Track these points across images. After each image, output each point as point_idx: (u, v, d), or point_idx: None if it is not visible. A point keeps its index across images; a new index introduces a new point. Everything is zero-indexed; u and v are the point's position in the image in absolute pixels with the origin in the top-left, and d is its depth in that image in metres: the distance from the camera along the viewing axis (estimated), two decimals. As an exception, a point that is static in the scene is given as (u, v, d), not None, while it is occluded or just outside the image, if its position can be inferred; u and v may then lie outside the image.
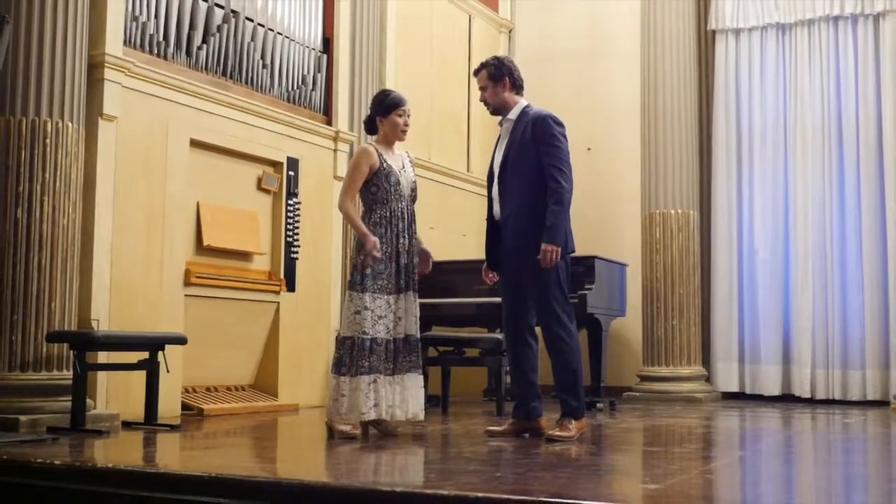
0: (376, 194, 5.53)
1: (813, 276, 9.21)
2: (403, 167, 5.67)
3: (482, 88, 5.61)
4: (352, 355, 5.27)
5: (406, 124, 5.65)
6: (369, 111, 5.77)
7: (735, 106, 9.80)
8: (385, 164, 5.56)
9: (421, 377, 5.53)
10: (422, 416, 5.48)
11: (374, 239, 5.39)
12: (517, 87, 5.59)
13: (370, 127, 5.75)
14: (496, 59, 5.69)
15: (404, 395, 5.39)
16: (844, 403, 8.90)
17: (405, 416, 5.38)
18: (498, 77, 5.55)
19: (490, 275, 5.71)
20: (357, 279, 5.39)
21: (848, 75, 9.33)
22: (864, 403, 8.84)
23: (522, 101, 5.58)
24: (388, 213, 5.50)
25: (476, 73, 5.68)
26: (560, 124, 5.44)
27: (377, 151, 5.57)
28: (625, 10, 10.13)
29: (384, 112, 5.63)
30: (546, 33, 10.68)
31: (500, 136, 5.65)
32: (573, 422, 5.27)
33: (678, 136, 9.30)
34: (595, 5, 10.49)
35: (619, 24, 10.27)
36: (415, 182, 5.72)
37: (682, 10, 9.41)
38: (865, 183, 9.14)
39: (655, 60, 9.39)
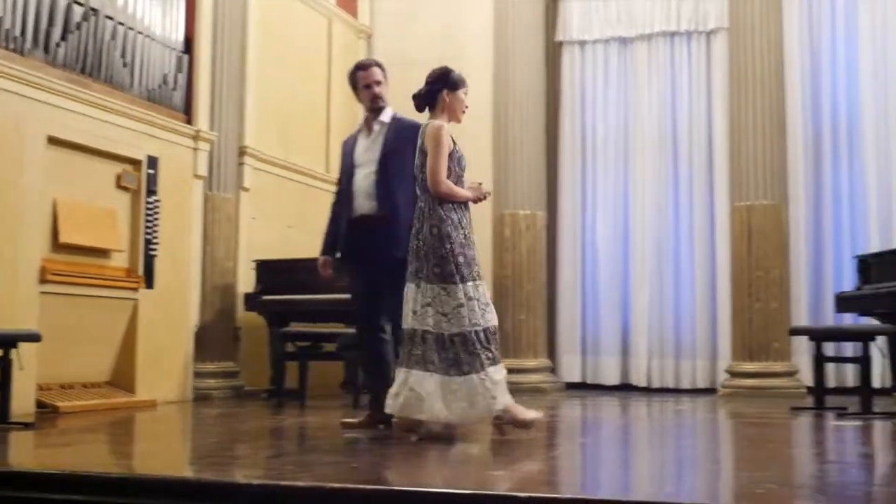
0: (448, 178, 4.95)
1: (650, 273, 9.51)
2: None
3: (377, 83, 5.56)
4: (468, 351, 4.72)
5: (466, 107, 5.15)
6: (429, 85, 5.10)
7: (580, 113, 10.02)
8: (457, 147, 5.04)
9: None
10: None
11: (478, 188, 5.03)
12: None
13: (427, 101, 5.10)
14: None
15: None
16: (677, 391, 9.21)
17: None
18: (387, 79, 5.64)
19: (329, 270, 5.63)
20: (451, 270, 4.77)
21: (682, 87, 9.67)
22: (695, 391, 9.17)
23: (390, 108, 5.59)
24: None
25: (370, 66, 5.65)
26: None
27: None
28: (478, 20, 10.19)
29: (452, 86, 5.08)
30: (403, 40, 10.66)
31: (359, 131, 5.60)
32: None
33: (527, 141, 9.44)
34: (450, 15, 10.53)
35: (472, 32, 10.33)
36: None
37: (531, 22, 9.57)
38: (698, 187, 9.49)
39: (506, 68, 9.51)
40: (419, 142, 5.04)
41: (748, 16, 8.80)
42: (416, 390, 4.71)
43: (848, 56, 9.26)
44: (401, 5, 10.73)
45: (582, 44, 10.07)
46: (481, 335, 4.75)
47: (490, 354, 4.75)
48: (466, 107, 5.15)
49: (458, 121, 5.13)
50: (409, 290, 4.88)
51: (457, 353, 4.73)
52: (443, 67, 5.21)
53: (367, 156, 5.49)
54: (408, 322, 4.84)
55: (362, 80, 5.57)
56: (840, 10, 9.30)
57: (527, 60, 9.52)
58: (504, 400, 4.76)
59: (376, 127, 5.53)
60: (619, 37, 9.93)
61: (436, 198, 4.90)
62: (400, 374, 4.81)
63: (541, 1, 9.71)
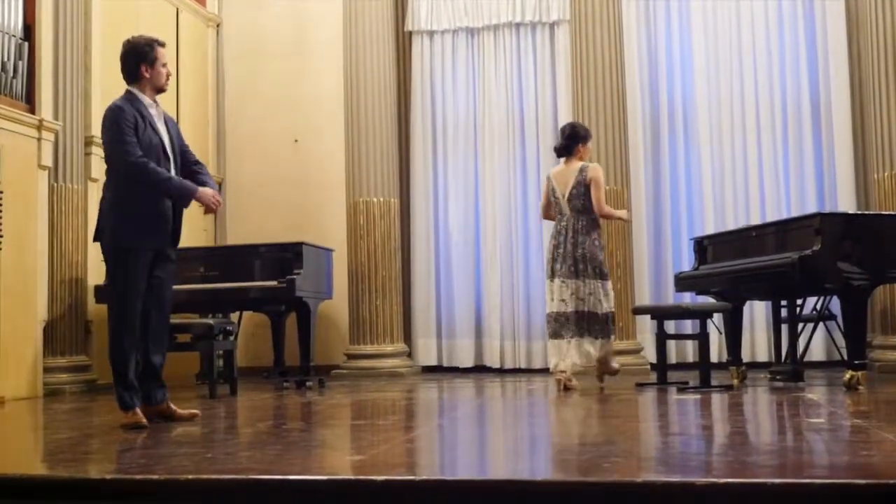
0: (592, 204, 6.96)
1: (500, 256, 9.65)
2: None
3: (165, 65, 5.26)
4: (608, 324, 6.87)
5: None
6: (567, 140, 7.05)
7: (430, 102, 10.06)
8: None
9: None
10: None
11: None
12: None
13: (567, 151, 7.04)
14: None
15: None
16: (529, 371, 9.37)
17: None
18: None
19: None
20: (606, 272, 6.94)
21: (529, 76, 9.82)
22: (546, 370, 9.32)
23: None
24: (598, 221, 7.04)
25: (164, 44, 5.25)
26: None
27: None
28: (328, 8, 10.11)
29: (585, 141, 7.07)
30: (253, 29, 10.49)
31: (147, 108, 5.11)
32: None
33: (379, 129, 9.42)
34: (300, 2, 10.41)
35: (323, 21, 10.24)
36: None
37: (381, 12, 9.53)
38: (544, 173, 9.59)
39: (357, 57, 9.46)
40: (581, 178, 6.93)
41: (589, 8, 9.01)
42: (585, 349, 6.81)
43: (682, 46, 9.63)
44: (250, -6, 10.54)
45: (431, 34, 10.11)
46: (612, 316, 6.96)
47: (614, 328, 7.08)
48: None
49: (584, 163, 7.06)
50: (570, 283, 6.82)
51: (604, 325, 6.82)
52: (575, 124, 7.33)
53: (169, 143, 5.21)
54: (572, 307, 6.81)
55: (162, 56, 5.18)
56: (674, 2, 9.64)
57: (377, 50, 9.49)
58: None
59: (159, 109, 5.23)
60: (467, 27, 10.00)
61: (599, 217, 6.99)
62: (572, 343, 6.79)
63: (390, -9, 9.70)
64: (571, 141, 7.05)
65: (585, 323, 6.81)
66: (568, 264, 6.87)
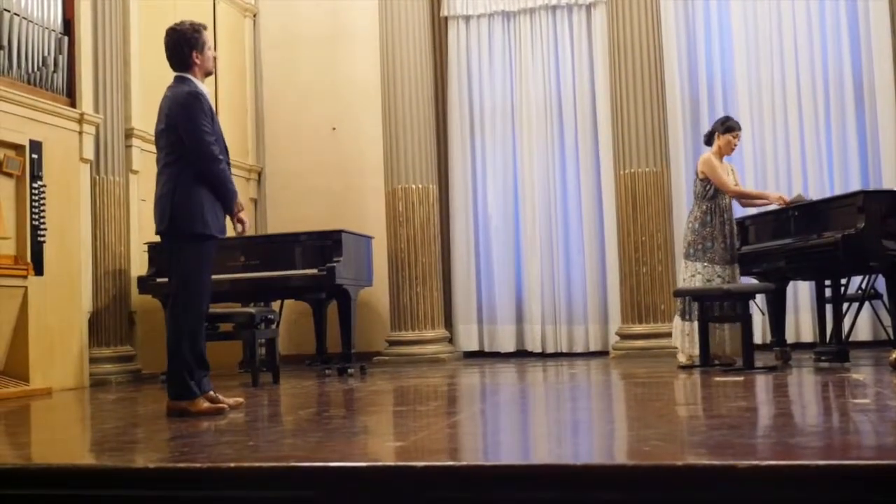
0: (708, 191, 7.08)
1: (540, 240, 9.62)
2: None
3: (211, 48, 5.22)
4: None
5: (736, 145, 7.19)
6: (712, 127, 7.30)
7: (467, 87, 10.04)
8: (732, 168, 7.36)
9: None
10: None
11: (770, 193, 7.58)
12: None
13: (707, 140, 7.27)
14: None
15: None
16: (571, 355, 9.35)
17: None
18: None
19: None
20: (691, 251, 7.09)
21: (566, 59, 9.76)
22: (588, 354, 9.33)
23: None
24: (715, 206, 7.05)
25: (206, 29, 5.22)
26: None
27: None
28: (364, -4, 10.12)
29: (724, 130, 7.10)
30: (289, 17, 10.53)
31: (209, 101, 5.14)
32: None
33: (416, 116, 9.42)
34: (335, -9, 10.42)
35: (358, 8, 10.25)
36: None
37: (417, -2, 9.52)
38: (584, 156, 9.62)
39: (393, 44, 9.46)
40: (696, 166, 7.31)
41: (626, -12, 8.93)
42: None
43: (721, 24, 9.51)
44: (286, -17, 10.56)
45: (467, 18, 10.08)
46: (678, 294, 7.29)
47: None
48: (735, 146, 7.21)
49: (728, 154, 7.20)
50: (711, 267, 7.02)
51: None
52: (722, 117, 7.47)
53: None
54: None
55: (208, 40, 5.12)
56: (713, -19, 9.53)
57: (413, 36, 9.48)
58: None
59: None
60: (503, 11, 9.96)
61: (714, 201, 7.10)
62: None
63: (425, -24, 9.67)
64: (712, 131, 7.28)
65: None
66: (724, 252, 7.13)
